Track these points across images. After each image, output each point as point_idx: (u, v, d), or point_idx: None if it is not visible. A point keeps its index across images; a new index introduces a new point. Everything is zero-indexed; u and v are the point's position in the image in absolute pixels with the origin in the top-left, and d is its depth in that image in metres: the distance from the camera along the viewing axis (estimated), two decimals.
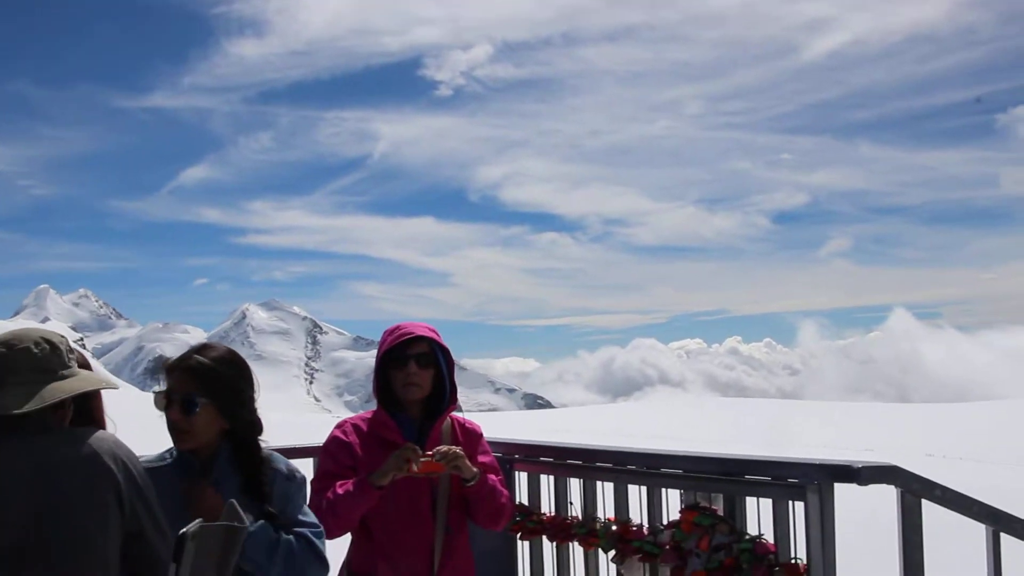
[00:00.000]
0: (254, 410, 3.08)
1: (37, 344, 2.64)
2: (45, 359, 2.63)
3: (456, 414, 3.79)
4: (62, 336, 2.77)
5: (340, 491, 3.43)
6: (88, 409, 2.90)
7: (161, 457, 3.09)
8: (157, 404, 2.98)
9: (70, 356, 2.71)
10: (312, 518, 3.10)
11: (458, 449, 3.48)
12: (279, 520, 2.95)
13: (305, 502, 3.12)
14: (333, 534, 3.40)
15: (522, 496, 4.37)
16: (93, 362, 3.35)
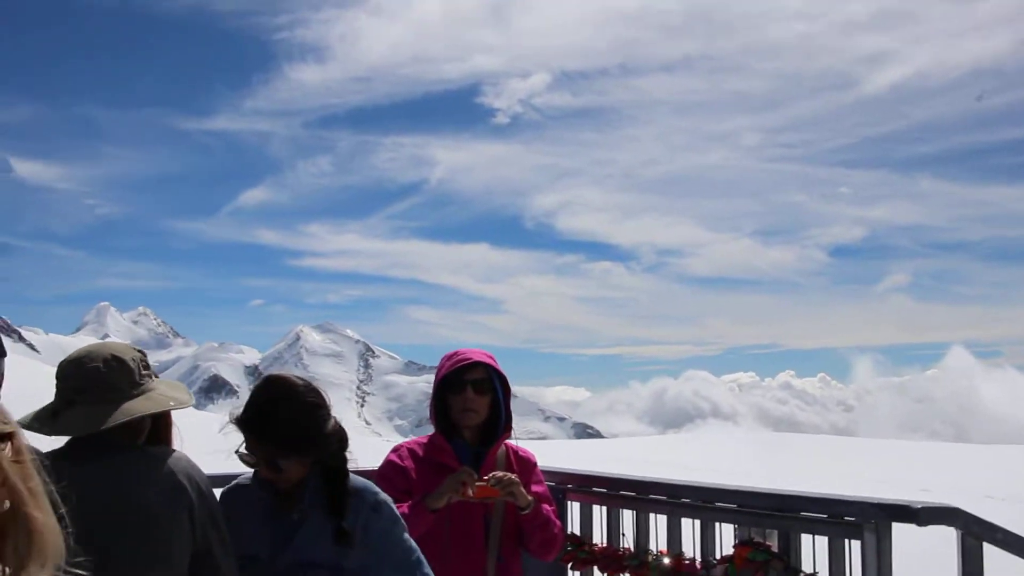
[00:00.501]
0: (336, 443, 3.03)
1: (106, 362, 2.69)
2: (115, 377, 2.67)
3: (510, 442, 3.83)
4: (137, 351, 2.84)
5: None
6: (158, 428, 2.96)
7: (247, 477, 3.11)
8: (244, 461, 3.01)
9: (143, 373, 2.76)
10: (413, 549, 3.06)
11: (514, 476, 3.50)
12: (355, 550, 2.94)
13: (404, 531, 3.07)
14: None
15: (574, 526, 4.37)
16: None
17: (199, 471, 2.74)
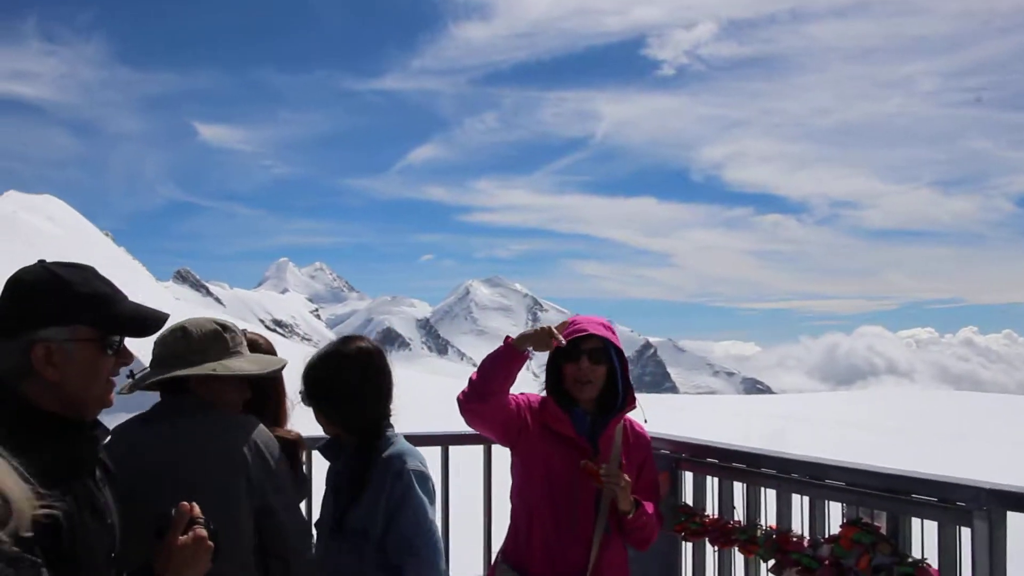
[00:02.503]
0: (375, 410, 3.21)
1: (172, 332, 2.92)
2: (178, 347, 2.90)
3: (629, 416, 3.77)
4: (216, 325, 3.02)
5: (488, 355, 3.54)
6: (263, 400, 3.18)
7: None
8: None
9: (217, 345, 2.93)
10: (420, 531, 3.01)
11: (625, 479, 3.48)
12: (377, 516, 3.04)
13: (422, 510, 3.04)
14: (474, 401, 3.51)
15: (686, 496, 4.28)
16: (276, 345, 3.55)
17: (265, 436, 2.87)
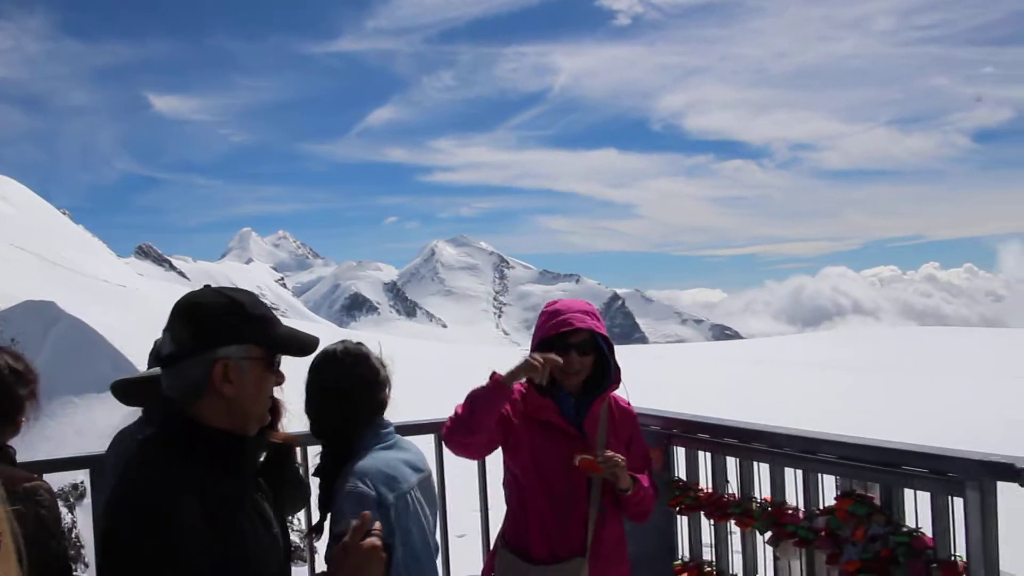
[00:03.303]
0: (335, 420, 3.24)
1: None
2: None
3: (613, 393, 3.82)
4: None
5: (471, 395, 3.52)
6: None
7: None
8: None
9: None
10: None
11: (621, 459, 3.52)
12: None
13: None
14: (460, 434, 3.50)
15: (679, 471, 4.37)
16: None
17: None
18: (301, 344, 2.26)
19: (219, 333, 2.13)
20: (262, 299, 2.31)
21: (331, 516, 3.05)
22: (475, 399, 3.47)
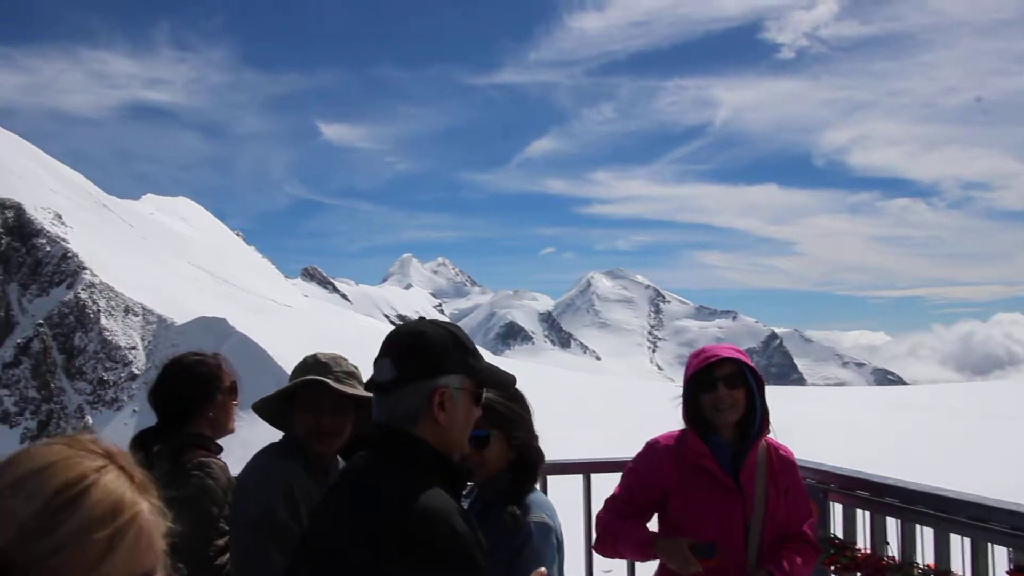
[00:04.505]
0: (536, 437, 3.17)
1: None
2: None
3: (770, 438, 3.70)
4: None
5: (627, 532, 3.55)
6: None
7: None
8: None
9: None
10: None
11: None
12: None
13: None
14: (606, 552, 3.70)
15: (836, 528, 4.18)
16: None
17: None
18: (502, 381, 2.43)
19: (440, 363, 2.26)
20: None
21: (512, 543, 2.97)
22: (621, 538, 3.60)
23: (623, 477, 3.81)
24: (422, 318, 2.44)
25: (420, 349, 2.26)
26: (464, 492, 3.23)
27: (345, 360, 3.29)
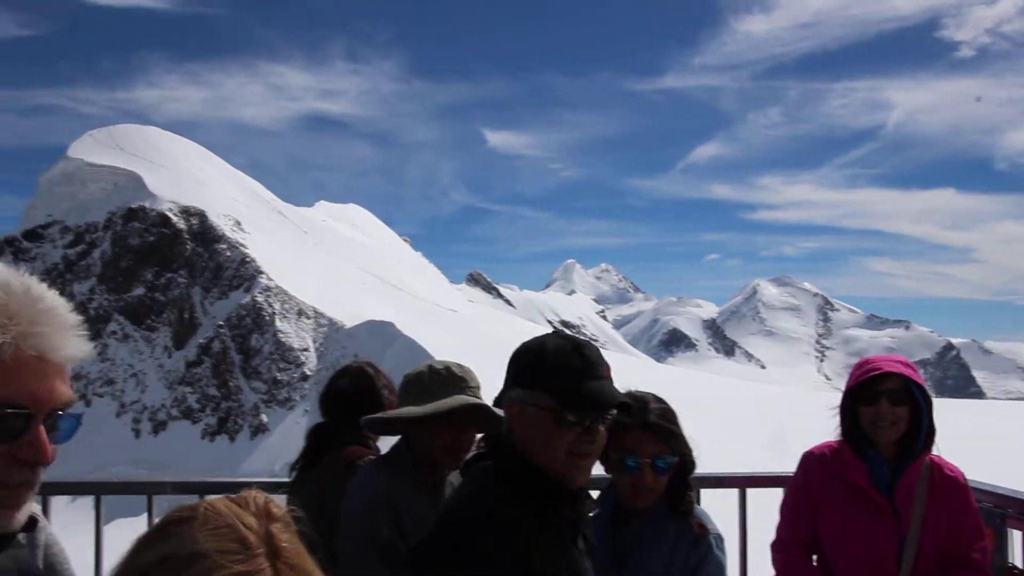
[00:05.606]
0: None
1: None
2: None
3: (936, 455, 3.47)
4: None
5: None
6: None
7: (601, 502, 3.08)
8: (610, 466, 2.98)
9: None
10: None
11: None
12: None
13: None
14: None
15: (1014, 556, 3.89)
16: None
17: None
18: (594, 400, 2.14)
19: (515, 375, 2.20)
20: (587, 344, 2.22)
21: (695, 553, 2.89)
22: None
23: (787, 490, 3.69)
24: (554, 331, 2.33)
25: (511, 361, 2.23)
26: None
27: (469, 369, 3.17)
